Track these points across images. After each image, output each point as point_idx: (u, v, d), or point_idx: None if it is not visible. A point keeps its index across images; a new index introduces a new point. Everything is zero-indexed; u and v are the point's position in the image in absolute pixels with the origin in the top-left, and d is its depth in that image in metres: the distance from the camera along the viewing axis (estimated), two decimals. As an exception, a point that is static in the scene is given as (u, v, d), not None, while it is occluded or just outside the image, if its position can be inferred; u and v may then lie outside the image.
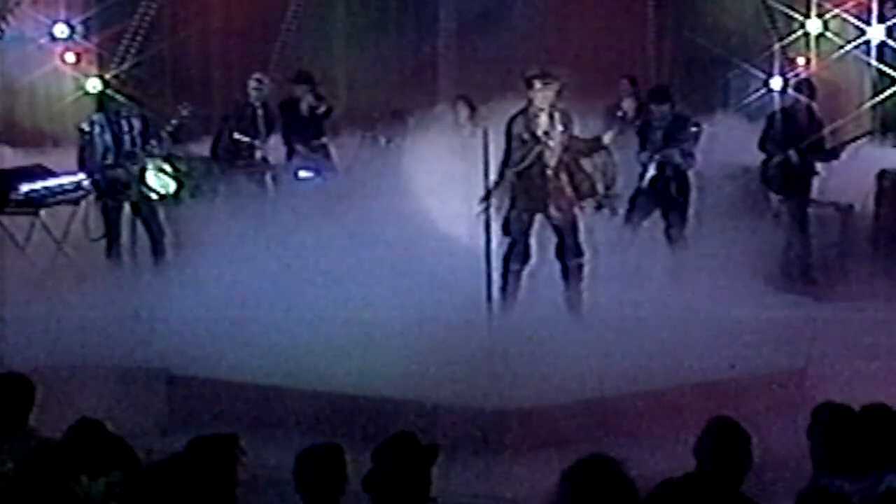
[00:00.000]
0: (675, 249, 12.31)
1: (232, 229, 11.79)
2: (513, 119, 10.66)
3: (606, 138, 10.81)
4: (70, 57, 16.36)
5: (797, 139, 13.10)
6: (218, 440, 5.94)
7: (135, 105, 12.44)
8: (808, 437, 6.01)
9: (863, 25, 16.12)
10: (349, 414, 8.96)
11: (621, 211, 11.44)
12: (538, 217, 10.75)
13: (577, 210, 10.77)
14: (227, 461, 5.84)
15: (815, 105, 13.45)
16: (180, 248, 12.36)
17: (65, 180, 13.66)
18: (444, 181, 11.07)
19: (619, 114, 13.74)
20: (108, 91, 12.77)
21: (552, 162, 10.64)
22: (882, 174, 13.50)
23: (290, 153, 14.04)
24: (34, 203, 13.32)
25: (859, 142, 13.88)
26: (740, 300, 11.02)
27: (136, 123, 12.28)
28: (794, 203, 13.16)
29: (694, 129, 12.77)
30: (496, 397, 9.09)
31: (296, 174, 13.98)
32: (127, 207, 12.45)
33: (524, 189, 10.62)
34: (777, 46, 16.21)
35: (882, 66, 16.17)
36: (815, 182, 13.36)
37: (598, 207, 10.78)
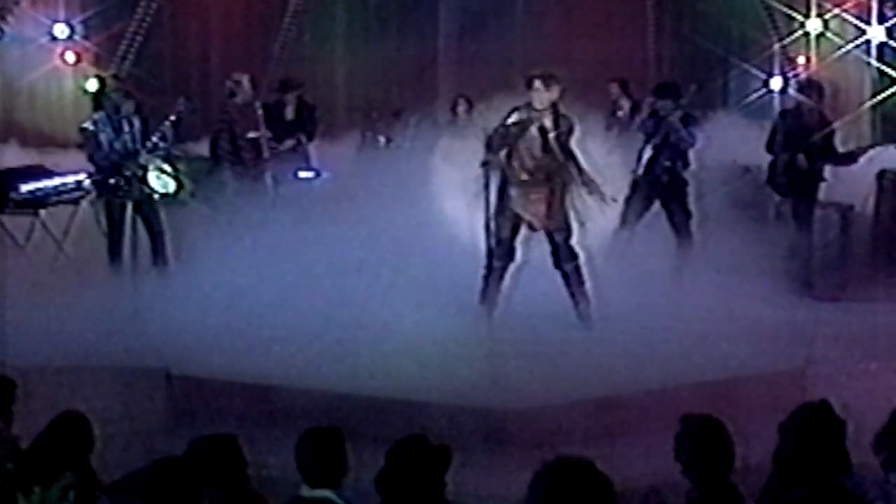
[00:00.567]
0: (680, 244, 12.31)
1: (231, 229, 11.79)
2: (507, 118, 10.60)
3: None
4: (70, 57, 16.39)
5: (805, 142, 13.00)
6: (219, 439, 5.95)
7: (134, 104, 12.41)
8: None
9: (863, 25, 16.13)
10: (349, 414, 8.94)
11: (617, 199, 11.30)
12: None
13: (567, 214, 10.70)
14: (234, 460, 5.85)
15: (824, 107, 13.32)
16: (180, 248, 12.36)
17: (65, 180, 13.67)
18: (444, 181, 11.07)
19: (620, 114, 13.75)
20: (108, 90, 12.73)
21: (538, 167, 10.58)
22: (882, 174, 13.48)
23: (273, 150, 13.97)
24: (34, 203, 13.33)
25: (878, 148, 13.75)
26: (740, 300, 11.01)
27: (137, 122, 12.28)
28: (800, 206, 13.06)
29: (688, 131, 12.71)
30: (496, 397, 9.09)
31: (295, 173, 13.98)
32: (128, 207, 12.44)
33: (511, 193, 10.58)
34: (777, 46, 16.23)
35: (882, 66, 16.18)
36: (823, 186, 13.25)
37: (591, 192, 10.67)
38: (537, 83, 10.52)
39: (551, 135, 10.52)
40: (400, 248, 10.90)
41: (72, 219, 13.45)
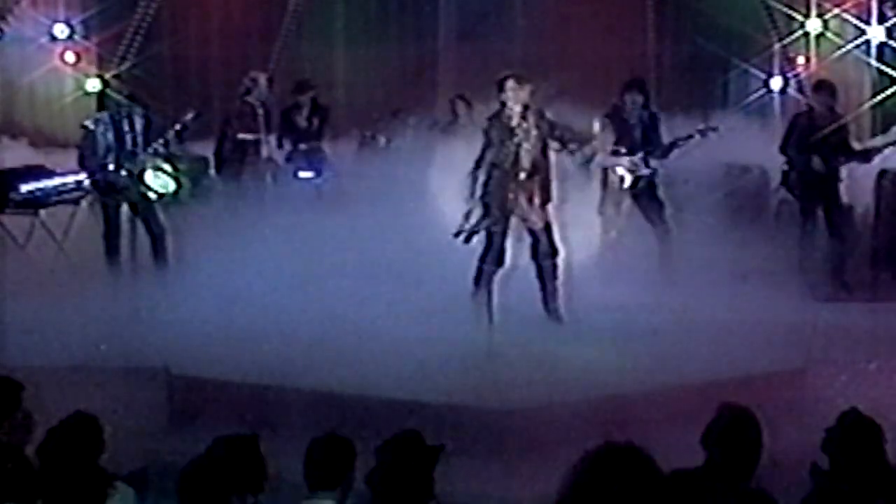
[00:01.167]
0: (659, 236, 12.35)
1: (231, 229, 11.79)
2: (488, 121, 10.66)
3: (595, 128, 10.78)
4: (70, 57, 16.39)
5: (820, 143, 12.92)
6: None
7: (135, 105, 12.41)
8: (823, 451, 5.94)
9: (863, 25, 16.12)
10: (348, 414, 8.94)
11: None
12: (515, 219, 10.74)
13: (549, 210, 10.74)
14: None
15: (837, 106, 13.27)
16: (179, 248, 12.36)
17: (65, 180, 13.68)
18: (443, 181, 11.07)
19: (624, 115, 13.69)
20: (109, 90, 12.74)
21: (526, 164, 10.62)
22: (882, 174, 13.48)
23: (288, 156, 14.05)
24: (34, 203, 13.33)
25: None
26: (739, 300, 11.02)
27: (139, 123, 12.28)
28: (818, 208, 12.94)
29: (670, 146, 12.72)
30: (495, 397, 9.09)
31: (296, 174, 13.98)
32: (125, 207, 12.44)
33: (498, 191, 10.61)
34: (777, 46, 16.22)
35: (882, 66, 16.17)
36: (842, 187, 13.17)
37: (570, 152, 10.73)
38: (509, 83, 10.56)
39: (533, 133, 10.57)
40: (399, 248, 10.90)
41: (72, 219, 13.45)
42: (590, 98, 13.76)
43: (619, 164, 12.60)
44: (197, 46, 16.97)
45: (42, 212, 13.33)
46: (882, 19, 16.14)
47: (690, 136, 12.69)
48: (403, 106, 15.32)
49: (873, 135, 15.98)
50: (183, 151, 13.24)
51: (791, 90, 16.20)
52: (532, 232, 10.74)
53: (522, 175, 10.60)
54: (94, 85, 16.04)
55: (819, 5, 16.15)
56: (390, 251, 10.92)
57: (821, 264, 12.54)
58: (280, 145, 13.97)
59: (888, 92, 16.00)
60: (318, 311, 10.21)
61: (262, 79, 13.70)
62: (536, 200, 10.66)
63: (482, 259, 10.66)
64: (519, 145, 10.54)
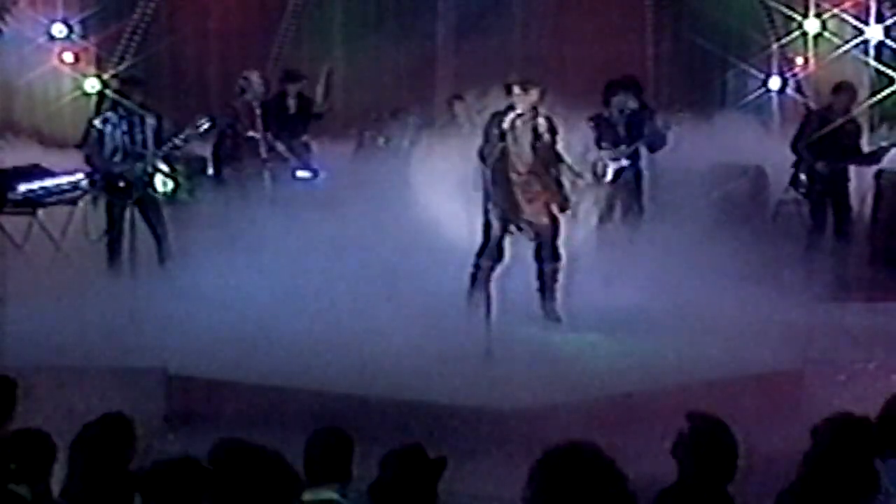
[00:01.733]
0: (644, 235, 12.40)
1: (228, 229, 11.78)
2: (491, 121, 10.68)
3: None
4: (68, 56, 16.37)
5: (832, 144, 12.86)
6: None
7: (136, 105, 12.40)
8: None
9: (861, 25, 16.13)
10: (347, 414, 8.93)
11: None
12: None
13: (555, 214, 10.75)
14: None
15: (854, 108, 13.20)
16: (177, 248, 12.35)
17: (62, 180, 13.67)
18: (442, 180, 11.06)
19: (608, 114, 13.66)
20: (125, 89, 12.71)
21: (525, 167, 10.61)
22: (880, 174, 13.49)
23: (270, 149, 13.94)
24: (32, 203, 13.32)
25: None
26: (738, 300, 11.01)
27: (150, 124, 12.29)
28: (825, 207, 12.95)
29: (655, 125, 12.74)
30: (493, 397, 9.09)
31: (293, 173, 13.96)
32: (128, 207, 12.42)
33: (499, 192, 10.63)
34: (775, 46, 16.22)
35: (880, 66, 16.17)
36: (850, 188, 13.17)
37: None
38: (516, 89, 10.59)
39: (545, 136, 10.59)
40: (398, 248, 10.89)
41: (69, 218, 13.44)
42: (588, 97, 13.77)
43: (602, 159, 12.59)
44: (195, 47, 16.96)
45: (40, 212, 13.32)
46: (880, 19, 16.15)
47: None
48: (402, 106, 15.30)
49: (872, 134, 16.00)
50: (182, 151, 13.22)
51: (789, 90, 16.20)
52: (536, 234, 10.74)
53: (515, 176, 10.62)
54: (92, 85, 16.02)
55: (817, 5, 16.17)
56: (388, 250, 10.91)
57: (826, 264, 12.55)
58: (265, 136, 13.89)
59: (886, 91, 16.01)
60: (316, 311, 10.20)
61: (255, 77, 13.67)
62: (539, 203, 10.66)
63: (479, 254, 10.68)
64: (506, 147, 10.56)
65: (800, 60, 16.38)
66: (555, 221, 10.79)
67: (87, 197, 13.24)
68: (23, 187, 13.34)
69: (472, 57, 15.73)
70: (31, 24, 16.28)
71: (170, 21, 16.54)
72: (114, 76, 15.53)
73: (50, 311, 10.55)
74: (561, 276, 10.76)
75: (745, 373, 9.67)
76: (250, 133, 13.53)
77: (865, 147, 13.37)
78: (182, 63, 16.88)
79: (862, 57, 16.25)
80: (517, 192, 10.66)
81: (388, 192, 11.55)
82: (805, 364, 9.84)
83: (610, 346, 9.98)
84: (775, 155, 13.24)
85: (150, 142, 12.24)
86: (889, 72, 16.07)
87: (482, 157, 10.64)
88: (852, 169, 13.24)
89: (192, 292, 10.63)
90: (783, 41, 16.22)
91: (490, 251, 10.68)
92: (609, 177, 12.52)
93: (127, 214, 12.15)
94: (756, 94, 16.52)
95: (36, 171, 13.73)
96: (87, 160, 12.52)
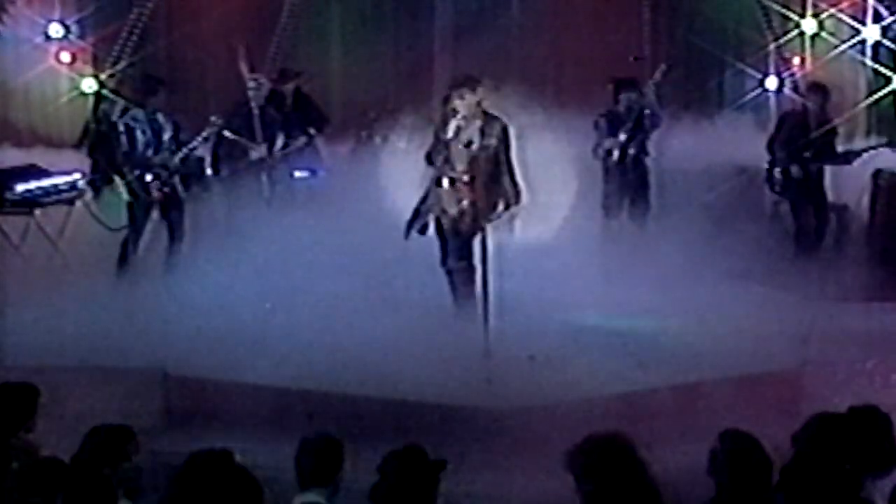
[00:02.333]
0: (639, 229, 12.47)
1: (226, 229, 11.78)
2: (440, 122, 10.68)
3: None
4: (65, 56, 16.34)
5: (805, 143, 13.06)
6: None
7: (134, 104, 12.41)
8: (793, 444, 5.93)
9: (858, 25, 16.13)
10: (346, 414, 8.95)
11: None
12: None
13: (490, 216, 10.72)
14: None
15: (828, 108, 13.39)
16: (176, 248, 12.36)
17: (60, 180, 13.67)
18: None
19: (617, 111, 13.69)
20: (150, 89, 12.73)
21: (464, 168, 10.60)
22: (877, 174, 13.49)
23: (271, 147, 13.94)
24: (29, 203, 13.32)
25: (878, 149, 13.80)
26: (737, 300, 11.02)
27: (169, 124, 12.32)
28: (799, 206, 13.14)
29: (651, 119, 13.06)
30: (493, 397, 9.09)
31: (291, 173, 13.95)
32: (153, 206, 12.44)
33: (443, 193, 10.63)
34: (772, 46, 16.22)
35: (877, 66, 16.18)
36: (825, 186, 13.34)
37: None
38: (462, 89, 10.56)
39: (488, 140, 10.56)
40: (397, 247, 10.89)
41: (67, 219, 13.43)
42: (585, 96, 13.80)
43: (607, 145, 12.92)
44: (193, 47, 16.94)
45: (37, 212, 13.31)
46: (877, 19, 16.16)
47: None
48: (399, 105, 15.29)
49: (868, 134, 16.02)
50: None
51: (787, 90, 16.19)
52: (457, 231, 10.73)
53: (449, 177, 10.57)
54: (89, 85, 16.01)
55: (814, 5, 16.16)
56: (387, 250, 10.91)
57: (822, 263, 12.60)
58: (265, 137, 13.89)
59: (883, 92, 16.02)
60: (315, 311, 10.20)
61: (264, 79, 13.70)
62: (465, 203, 10.62)
63: (443, 261, 10.67)
64: (448, 147, 10.55)
65: (797, 60, 16.37)
66: (475, 223, 10.67)
67: (85, 197, 13.25)
68: (20, 187, 13.33)
69: (470, 57, 15.71)
70: (28, 24, 16.24)
71: (167, 21, 16.51)
72: (110, 76, 15.53)
73: (47, 312, 10.54)
74: (478, 277, 10.68)
75: (743, 373, 9.67)
76: (244, 135, 13.53)
77: (839, 148, 13.51)
78: (180, 63, 16.86)
79: (859, 57, 16.25)
80: (456, 193, 10.63)
81: (387, 192, 11.54)
82: (804, 364, 9.84)
83: (608, 346, 9.98)
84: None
85: (171, 142, 12.29)
86: (886, 72, 16.07)
87: (429, 158, 10.67)
88: (852, 169, 13.31)
89: (190, 292, 10.64)
90: (780, 41, 16.22)
91: (456, 250, 10.65)
92: (615, 157, 12.88)
93: (150, 215, 12.20)
94: (753, 93, 16.51)
95: (33, 172, 13.72)
96: (111, 159, 12.52)
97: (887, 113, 16.12)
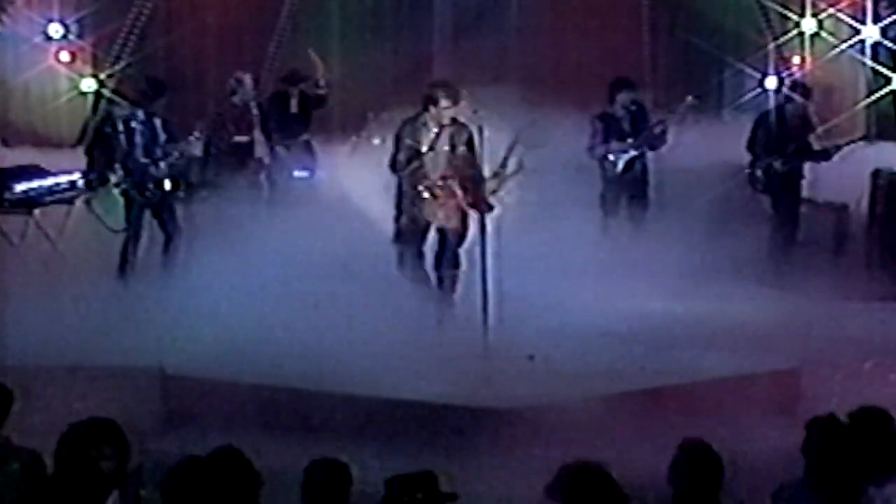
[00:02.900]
0: (642, 234, 12.49)
1: (223, 229, 11.77)
2: (402, 128, 10.68)
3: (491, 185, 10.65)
4: (65, 56, 16.33)
5: (787, 141, 13.21)
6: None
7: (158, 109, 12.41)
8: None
9: (857, 25, 16.13)
10: (345, 414, 8.95)
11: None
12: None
13: (468, 221, 10.71)
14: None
15: (810, 107, 13.51)
16: (174, 248, 12.35)
17: (59, 180, 13.65)
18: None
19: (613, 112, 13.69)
20: (143, 90, 12.72)
21: (439, 173, 10.60)
22: (876, 173, 13.49)
23: (272, 148, 13.96)
24: (29, 202, 13.31)
25: (852, 145, 13.93)
26: (736, 299, 11.02)
27: (160, 123, 12.31)
28: (781, 203, 13.30)
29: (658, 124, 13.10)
30: (492, 397, 9.09)
31: (290, 173, 13.95)
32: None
33: (414, 198, 10.63)
34: (772, 46, 16.22)
35: (876, 66, 16.18)
36: (804, 184, 13.48)
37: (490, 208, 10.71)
38: (436, 93, 10.54)
39: (458, 147, 10.58)
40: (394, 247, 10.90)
41: (66, 218, 13.42)
42: (584, 96, 13.79)
43: (612, 153, 12.88)
44: (192, 46, 16.94)
45: (36, 211, 13.31)
46: (876, 19, 16.16)
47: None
48: (399, 105, 15.27)
49: (867, 133, 16.03)
50: (178, 151, 13.20)
51: (786, 89, 16.20)
52: (442, 241, 10.72)
53: (439, 183, 10.57)
54: (89, 85, 16.00)
55: (814, 5, 16.16)
56: (386, 249, 10.91)
57: (820, 262, 12.63)
58: (268, 137, 13.89)
59: (882, 91, 16.03)
60: (314, 311, 10.19)
61: (248, 79, 13.68)
62: (449, 208, 10.61)
63: (394, 264, 10.67)
64: (420, 154, 10.56)
65: (796, 60, 16.38)
66: (465, 228, 10.71)
67: (85, 196, 13.23)
68: (19, 187, 13.32)
69: (469, 57, 15.71)
70: (28, 24, 16.24)
71: (167, 21, 16.51)
72: (110, 76, 15.52)
73: (46, 311, 10.53)
74: (459, 286, 10.67)
75: (742, 372, 9.67)
76: (243, 136, 13.54)
77: (816, 146, 13.59)
78: (179, 63, 16.85)
79: (858, 57, 16.26)
80: (429, 199, 10.62)
81: (386, 192, 11.54)
82: (802, 364, 9.83)
83: (608, 346, 9.98)
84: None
85: (164, 143, 12.27)
86: (885, 71, 16.08)
87: (393, 165, 10.66)
88: (851, 168, 13.34)
89: (189, 292, 10.63)
90: (780, 41, 16.21)
91: (411, 255, 10.64)
92: (620, 167, 12.90)
93: (146, 216, 12.20)
94: (753, 93, 16.50)
95: (32, 171, 13.71)
96: (107, 159, 12.51)
97: (887, 112, 16.13)
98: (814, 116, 13.84)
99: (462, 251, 10.73)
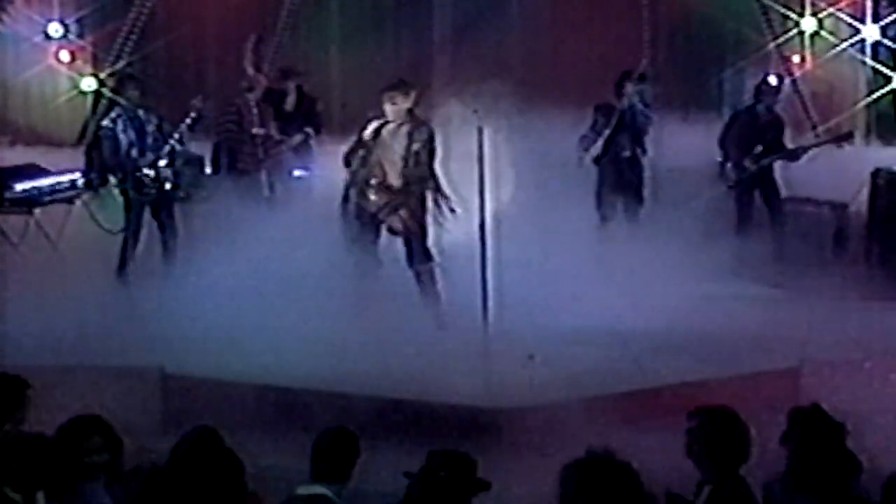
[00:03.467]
0: (640, 233, 12.52)
1: (226, 228, 11.76)
2: (364, 126, 10.70)
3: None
4: (64, 56, 16.36)
5: (756, 141, 13.32)
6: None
7: (135, 103, 12.37)
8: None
9: (857, 24, 16.15)
10: (345, 413, 8.93)
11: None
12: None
13: (425, 217, 10.70)
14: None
15: (778, 108, 13.67)
16: (175, 247, 12.35)
17: (59, 179, 13.66)
18: (441, 178, 11.05)
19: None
20: (127, 88, 12.69)
21: (394, 172, 10.61)
22: (876, 173, 13.49)
23: (272, 147, 13.94)
24: (29, 202, 13.32)
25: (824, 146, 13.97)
26: (735, 299, 11.02)
27: (152, 120, 12.28)
28: (753, 202, 13.41)
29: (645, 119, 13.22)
30: (492, 397, 9.09)
31: (290, 173, 13.95)
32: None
33: (369, 198, 10.63)
34: (772, 45, 16.23)
35: (876, 65, 16.20)
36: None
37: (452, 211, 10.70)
38: (394, 93, 10.56)
39: (415, 145, 10.60)
40: (396, 246, 10.89)
41: (66, 218, 13.43)
42: (583, 96, 13.79)
43: (589, 138, 13.03)
44: (192, 46, 16.96)
45: (36, 211, 13.31)
46: (876, 18, 16.18)
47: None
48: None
49: (868, 132, 16.04)
50: (179, 150, 13.21)
51: (786, 89, 16.21)
52: (407, 240, 10.72)
53: (401, 182, 10.59)
54: (88, 84, 16.02)
55: (814, 4, 16.19)
56: (386, 249, 10.91)
57: (819, 261, 12.63)
58: (266, 133, 13.88)
59: (882, 91, 16.04)
60: (314, 311, 10.19)
61: (262, 77, 13.71)
62: (407, 208, 10.61)
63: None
64: (372, 152, 10.57)
65: (796, 59, 16.39)
66: (423, 225, 10.71)
67: (85, 196, 13.24)
68: (20, 186, 13.34)
69: (469, 56, 15.72)
70: (28, 23, 16.27)
71: (166, 20, 16.52)
72: (110, 75, 15.53)
73: (46, 310, 10.54)
74: (440, 278, 10.67)
75: (741, 372, 9.67)
76: (255, 130, 13.54)
77: (789, 145, 13.64)
78: (179, 62, 16.87)
79: (858, 56, 16.27)
80: (390, 200, 10.62)
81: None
82: (801, 363, 9.83)
83: (608, 345, 9.98)
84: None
85: (159, 140, 12.25)
86: (885, 71, 16.09)
87: (347, 161, 10.68)
88: (850, 168, 13.35)
89: (189, 291, 10.62)
90: (780, 40, 16.23)
91: (364, 256, 10.65)
92: (596, 151, 12.98)
93: (144, 215, 12.18)
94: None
95: (33, 170, 13.72)
96: (99, 160, 12.50)
97: (886, 112, 16.15)
98: (784, 115, 13.88)
99: (460, 252, 10.69)
